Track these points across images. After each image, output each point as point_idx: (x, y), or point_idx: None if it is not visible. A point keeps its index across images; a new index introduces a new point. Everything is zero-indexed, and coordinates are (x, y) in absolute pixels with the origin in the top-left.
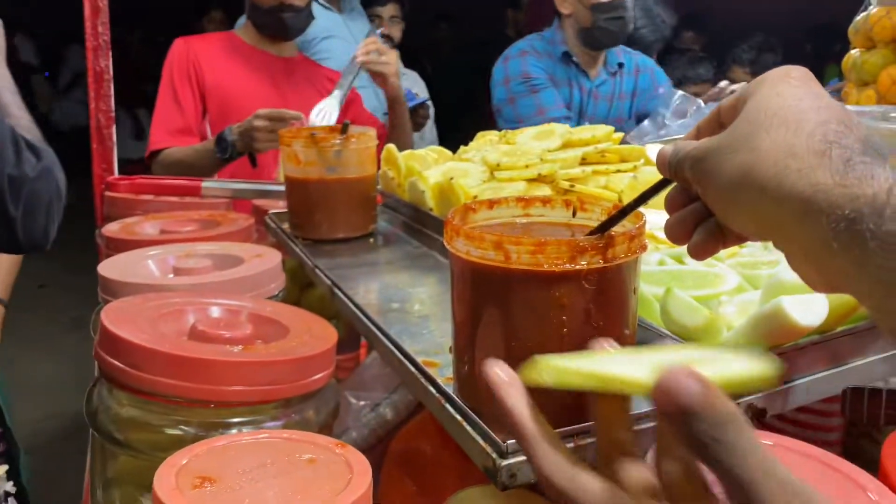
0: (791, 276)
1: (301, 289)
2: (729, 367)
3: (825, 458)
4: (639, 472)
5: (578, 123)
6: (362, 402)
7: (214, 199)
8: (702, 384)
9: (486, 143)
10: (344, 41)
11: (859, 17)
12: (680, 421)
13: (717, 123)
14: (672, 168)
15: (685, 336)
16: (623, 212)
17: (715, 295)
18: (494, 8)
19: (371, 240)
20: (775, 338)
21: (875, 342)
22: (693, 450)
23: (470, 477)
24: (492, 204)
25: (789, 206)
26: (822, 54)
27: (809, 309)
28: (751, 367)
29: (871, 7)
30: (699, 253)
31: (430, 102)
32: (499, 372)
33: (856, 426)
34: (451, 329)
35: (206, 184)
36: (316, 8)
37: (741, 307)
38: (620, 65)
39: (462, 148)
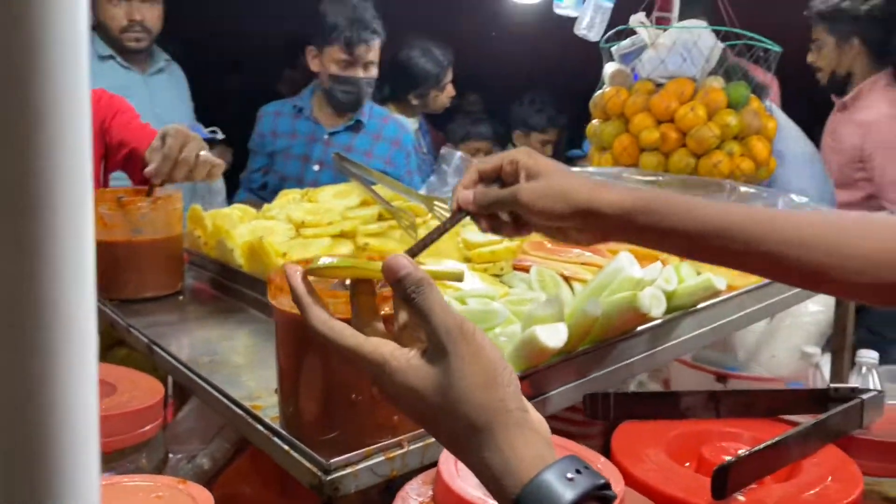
0: (541, 311)
1: (105, 350)
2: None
3: (566, 443)
4: (377, 323)
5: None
6: (178, 455)
7: None
8: (407, 261)
9: (289, 202)
10: (141, 101)
11: (597, 94)
12: (396, 283)
13: (497, 174)
14: (484, 205)
15: None
16: (426, 243)
17: (491, 328)
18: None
19: (180, 297)
20: (532, 358)
21: (603, 359)
22: (404, 300)
23: None
24: (308, 263)
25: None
26: (585, 117)
27: (555, 334)
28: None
29: (606, 86)
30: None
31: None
32: (291, 267)
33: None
34: (276, 374)
35: None
36: (115, 66)
37: (510, 336)
38: (359, 122)
39: (266, 206)
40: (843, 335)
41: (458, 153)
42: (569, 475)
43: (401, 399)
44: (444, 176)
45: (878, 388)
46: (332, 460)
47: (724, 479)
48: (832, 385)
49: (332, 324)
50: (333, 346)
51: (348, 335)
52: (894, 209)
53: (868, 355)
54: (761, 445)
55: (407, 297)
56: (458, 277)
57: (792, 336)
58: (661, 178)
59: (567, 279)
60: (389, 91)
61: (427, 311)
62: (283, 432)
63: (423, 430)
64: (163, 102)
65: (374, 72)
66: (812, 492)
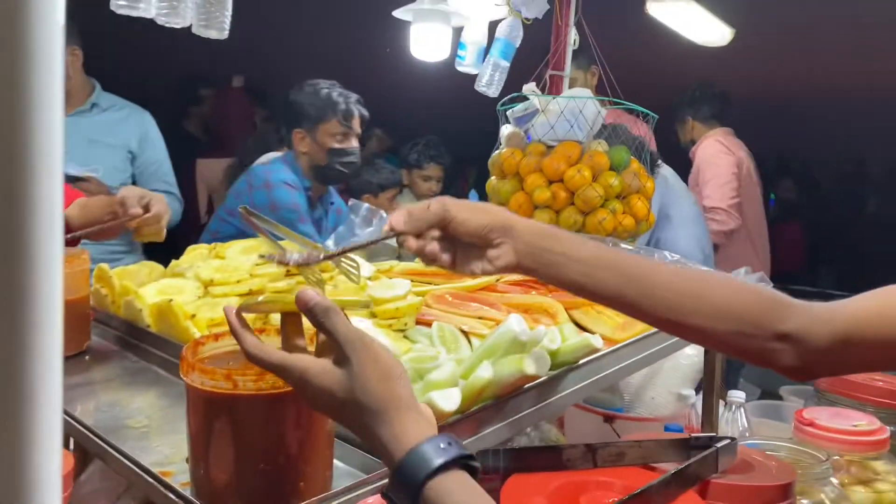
0: (437, 376)
1: None
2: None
3: None
4: (301, 342)
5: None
6: None
7: None
8: (315, 293)
9: (196, 257)
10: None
11: (495, 153)
12: (307, 311)
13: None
14: (415, 223)
15: None
16: (346, 250)
17: None
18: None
19: (86, 357)
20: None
21: (495, 416)
22: (316, 325)
23: None
24: (217, 337)
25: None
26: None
27: (449, 398)
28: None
29: (502, 147)
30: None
31: None
32: (229, 309)
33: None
34: (188, 444)
35: None
36: None
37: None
38: (332, 203)
39: (174, 262)
40: (712, 377)
41: (366, 204)
42: (442, 445)
43: (318, 397)
44: (352, 226)
45: (746, 425)
46: None
47: None
48: (693, 435)
49: (261, 346)
50: (264, 363)
51: (275, 353)
52: (712, 221)
53: (737, 395)
54: (629, 495)
55: (317, 322)
56: (366, 305)
57: (670, 379)
58: None
59: (466, 334)
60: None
61: (333, 330)
62: (195, 501)
63: (327, 492)
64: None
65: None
66: None
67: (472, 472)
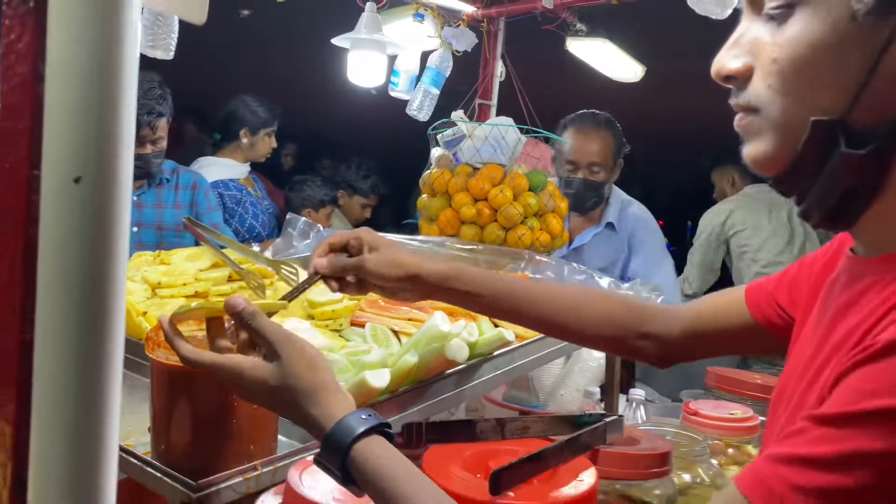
0: (369, 359)
1: None
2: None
3: None
4: (226, 343)
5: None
6: None
7: None
8: (241, 299)
9: (143, 263)
10: None
11: (425, 173)
12: (236, 316)
13: (344, 247)
14: (337, 270)
15: None
16: (294, 295)
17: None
18: None
19: None
20: (363, 397)
21: (420, 397)
22: (244, 327)
23: None
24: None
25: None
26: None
27: (380, 377)
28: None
29: (433, 167)
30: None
31: None
32: (163, 318)
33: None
34: (150, 415)
35: None
36: None
37: (346, 381)
38: (167, 179)
39: None
40: (612, 375)
41: (303, 218)
42: (363, 417)
43: (253, 391)
44: (290, 239)
45: (644, 418)
46: (199, 482)
47: (498, 480)
48: (587, 412)
49: (195, 350)
50: (199, 364)
51: (206, 355)
52: None
53: (637, 393)
54: (526, 455)
55: (245, 325)
56: (283, 307)
57: (579, 378)
58: (477, 247)
59: (396, 333)
60: (222, 137)
61: (260, 330)
62: (157, 463)
63: (274, 455)
64: None
65: (161, 145)
66: (563, 486)
67: (389, 438)
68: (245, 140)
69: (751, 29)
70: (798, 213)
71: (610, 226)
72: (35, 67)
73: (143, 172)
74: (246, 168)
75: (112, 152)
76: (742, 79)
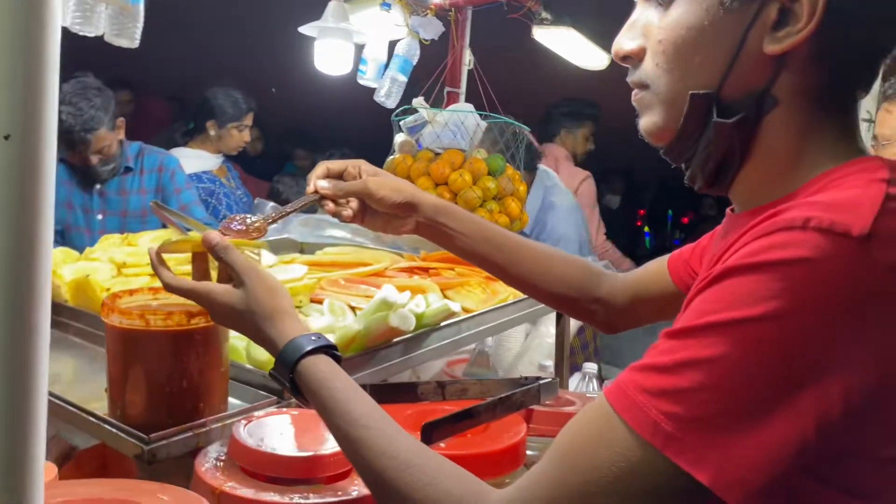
0: (316, 324)
1: None
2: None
3: None
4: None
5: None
6: None
7: None
8: (216, 235)
9: (110, 245)
10: None
11: (389, 159)
12: (211, 249)
13: (341, 174)
14: (338, 191)
15: (258, 365)
16: (278, 216)
17: None
18: None
19: None
20: None
21: (367, 363)
22: (217, 259)
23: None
24: (132, 292)
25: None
26: None
27: None
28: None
29: (396, 153)
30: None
31: None
32: (151, 249)
33: None
34: (106, 376)
35: None
36: None
37: None
38: (130, 167)
39: (88, 248)
40: (562, 349)
41: (271, 203)
42: (312, 338)
43: (221, 312)
44: None
45: (596, 391)
46: (151, 435)
47: (430, 432)
48: (524, 376)
49: (175, 277)
50: (177, 289)
51: (186, 281)
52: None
53: (589, 367)
54: (461, 410)
55: (217, 257)
56: (260, 247)
57: (536, 353)
58: None
59: (353, 309)
60: (194, 126)
61: (230, 262)
62: (113, 420)
63: (222, 413)
64: None
65: (110, 150)
66: (497, 441)
67: (337, 360)
68: (212, 132)
69: (643, 14)
70: (685, 179)
71: None
72: None
73: (95, 180)
74: (219, 159)
75: (37, 112)
76: (637, 58)
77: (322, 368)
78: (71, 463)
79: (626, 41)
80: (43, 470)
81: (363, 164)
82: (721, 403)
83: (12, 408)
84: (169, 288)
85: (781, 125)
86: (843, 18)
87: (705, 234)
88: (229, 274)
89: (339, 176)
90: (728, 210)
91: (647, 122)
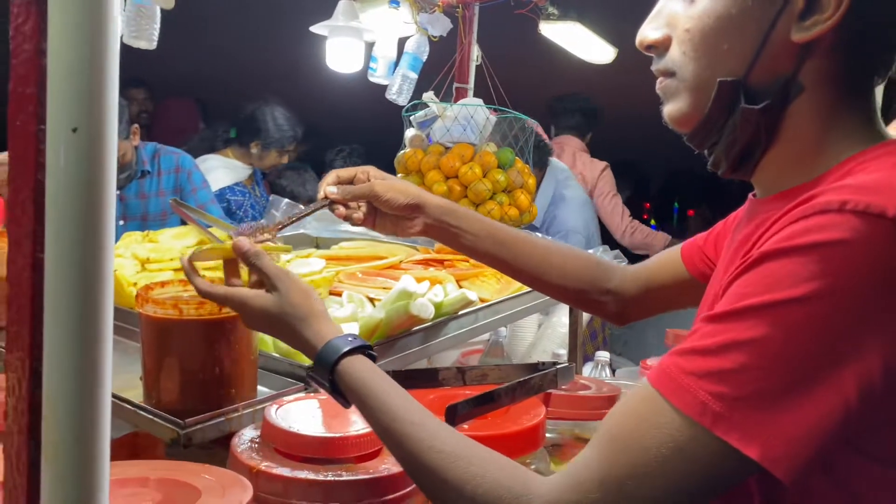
0: (339, 314)
1: None
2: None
3: None
4: (237, 281)
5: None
6: None
7: None
8: (248, 242)
9: (132, 242)
10: None
11: (400, 153)
12: (242, 255)
13: (351, 180)
14: (347, 195)
15: (284, 353)
16: (292, 221)
17: None
18: None
19: None
20: None
21: (389, 350)
22: (248, 265)
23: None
24: (163, 284)
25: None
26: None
27: (349, 330)
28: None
29: (406, 147)
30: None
31: None
32: (183, 258)
33: None
34: (141, 365)
35: None
36: None
37: None
38: (148, 171)
39: None
40: (575, 337)
41: (286, 200)
42: (349, 339)
43: (255, 317)
44: (273, 220)
45: (609, 379)
46: (186, 420)
47: (454, 413)
48: (541, 361)
49: (209, 284)
50: (212, 296)
51: (220, 288)
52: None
53: (602, 355)
54: (482, 393)
55: (249, 263)
56: (287, 250)
57: (550, 342)
58: None
59: (371, 300)
60: (236, 135)
61: (262, 268)
62: (148, 407)
63: (253, 398)
64: None
65: (127, 159)
66: (514, 421)
67: (373, 359)
68: (254, 151)
69: (668, 4)
70: (709, 164)
71: None
72: (38, 44)
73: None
74: (249, 169)
75: (101, 107)
76: (662, 48)
77: (361, 368)
78: None
79: (650, 31)
80: (109, 457)
81: (371, 170)
82: (766, 382)
83: (79, 399)
84: (204, 295)
85: (807, 111)
86: (867, 6)
87: (719, 222)
88: (261, 279)
89: (350, 182)
90: (750, 195)
91: (672, 108)
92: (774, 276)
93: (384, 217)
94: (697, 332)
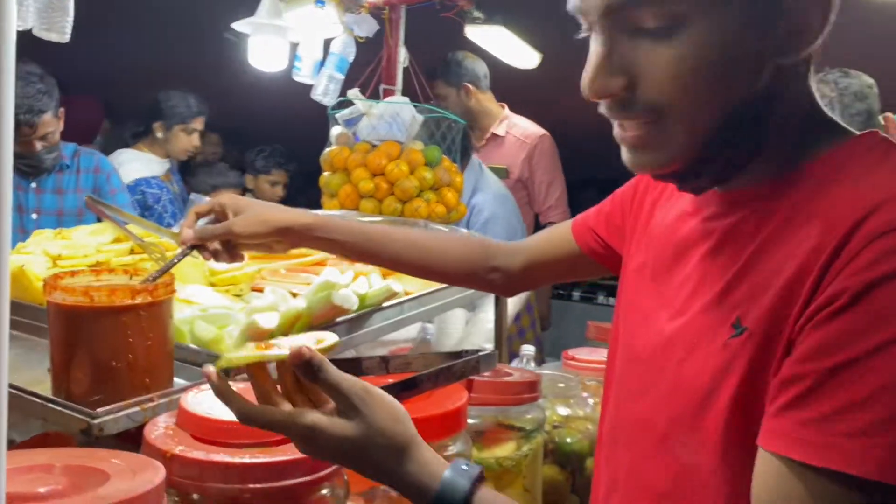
0: (260, 303)
1: None
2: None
3: None
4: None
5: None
6: None
7: None
8: (310, 350)
9: (43, 240)
10: None
11: (325, 151)
12: (302, 367)
13: (210, 213)
14: (206, 238)
15: (202, 344)
16: (161, 272)
17: (225, 325)
18: None
19: None
20: (254, 338)
21: None
22: (312, 379)
23: None
24: (73, 274)
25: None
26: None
27: (269, 319)
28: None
29: (332, 145)
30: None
31: None
32: (210, 370)
33: None
34: (50, 355)
35: None
36: None
37: (238, 325)
38: (68, 165)
39: (20, 244)
40: (500, 330)
41: (206, 198)
42: (463, 467)
43: (330, 448)
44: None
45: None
46: (97, 409)
47: None
48: (464, 349)
49: (255, 407)
50: (262, 423)
51: (273, 412)
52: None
53: (527, 349)
54: (403, 379)
55: (314, 376)
56: (336, 346)
57: (477, 338)
58: (376, 219)
59: (294, 296)
60: (144, 129)
61: (335, 383)
62: (58, 399)
63: (169, 388)
64: None
65: (52, 139)
66: (439, 406)
67: (483, 479)
68: (159, 134)
69: (617, 48)
70: (689, 189)
71: None
72: None
73: (37, 169)
74: (166, 164)
75: None
76: (624, 93)
77: (493, 500)
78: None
79: (608, 80)
80: (5, 448)
81: (227, 201)
82: None
83: None
84: (247, 422)
85: (789, 112)
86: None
87: (606, 200)
88: (303, 389)
89: (209, 214)
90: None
91: (658, 157)
92: (889, 306)
93: (252, 246)
94: (821, 389)
